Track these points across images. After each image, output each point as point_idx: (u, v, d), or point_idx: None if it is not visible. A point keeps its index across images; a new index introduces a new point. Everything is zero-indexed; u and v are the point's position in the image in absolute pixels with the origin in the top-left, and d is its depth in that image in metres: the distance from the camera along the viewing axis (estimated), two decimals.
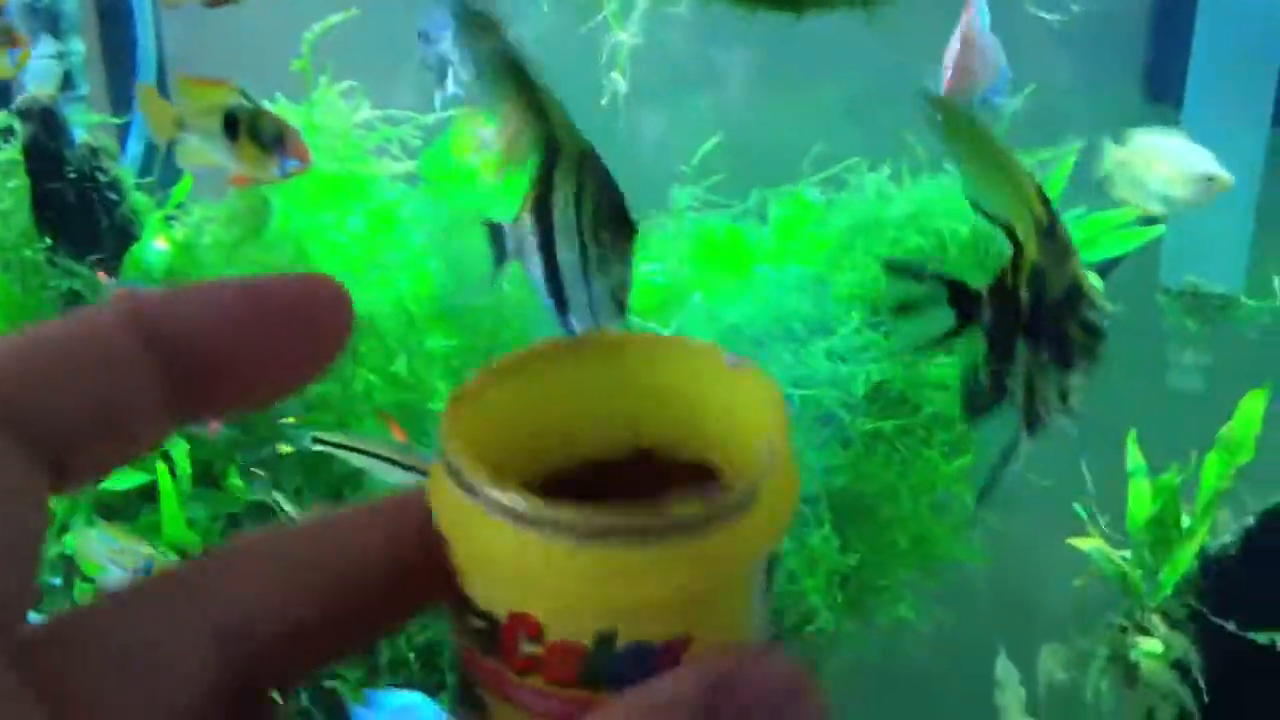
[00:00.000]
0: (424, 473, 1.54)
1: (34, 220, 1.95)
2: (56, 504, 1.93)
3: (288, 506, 1.88)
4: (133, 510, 1.95)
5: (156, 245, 1.99)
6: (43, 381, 0.34)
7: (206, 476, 1.94)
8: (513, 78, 0.94)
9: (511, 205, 1.11)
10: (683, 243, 2.10)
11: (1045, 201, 0.86)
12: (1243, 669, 1.80)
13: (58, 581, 1.94)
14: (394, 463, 1.65)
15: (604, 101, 2.11)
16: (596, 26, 2.10)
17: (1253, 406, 1.83)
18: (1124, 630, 1.85)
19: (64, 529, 1.92)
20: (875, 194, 2.07)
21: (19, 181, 1.96)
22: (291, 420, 1.88)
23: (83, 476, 0.35)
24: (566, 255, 1.09)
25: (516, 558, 0.33)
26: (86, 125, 2.06)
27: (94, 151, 1.99)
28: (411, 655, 1.91)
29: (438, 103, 1.96)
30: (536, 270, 1.09)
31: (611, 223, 1.07)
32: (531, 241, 1.08)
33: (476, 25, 0.96)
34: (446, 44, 1.90)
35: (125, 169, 2.08)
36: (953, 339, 0.96)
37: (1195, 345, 2.16)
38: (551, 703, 0.34)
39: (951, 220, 2.03)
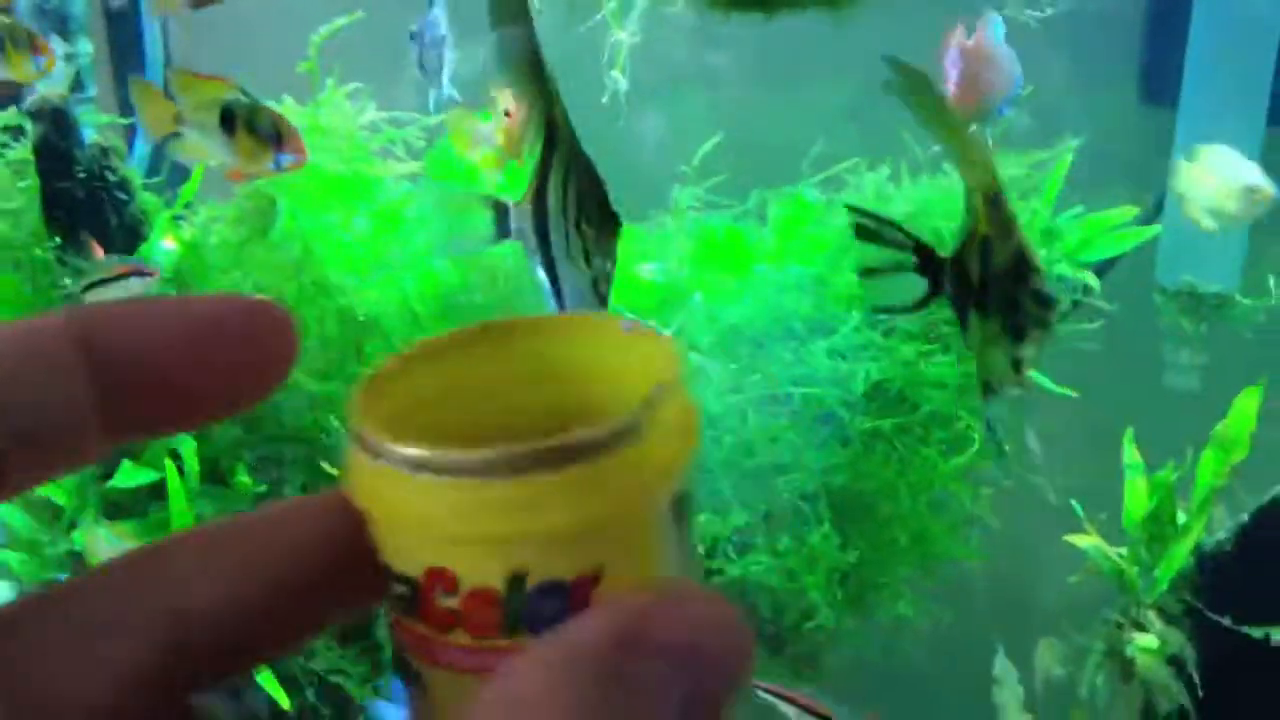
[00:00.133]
0: None
1: (44, 219, 1.96)
2: (64, 500, 1.95)
3: None
4: (141, 508, 1.96)
5: (165, 245, 2.01)
6: None
7: (214, 474, 1.96)
8: (533, 68, 0.97)
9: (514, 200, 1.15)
10: (683, 243, 2.11)
11: (993, 172, 0.89)
12: (1238, 664, 1.82)
13: (65, 579, 1.96)
14: None
15: (605, 100, 2.13)
16: (596, 26, 2.11)
17: (1248, 404, 1.84)
18: (1120, 626, 1.87)
19: (72, 525, 1.93)
20: (874, 194, 2.09)
21: (29, 181, 1.97)
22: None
23: (10, 486, 0.35)
24: (558, 241, 1.13)
25: (420, 507, 0.34)
26: (96, 125, 2.07)
27: (104, 151, 2.01)
28: None
29: (432, 103, 1.97)
30: (535, 254, 1.13)
31: (594, 216, 1.11)
32: (529, 225, 1.12)
33: (509, 14, 1.00)
34: (444, 45, 1.91)
35: (133, 169, 2.09)
36: (924, 305, 0.99)
37: (1191, 344, 2.17)
38: (476, 658, 0.35)
39: (950, 220, 2.05)
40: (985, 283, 0.91)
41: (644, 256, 2.10)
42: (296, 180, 1.96)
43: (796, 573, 1.94)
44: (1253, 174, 1.90)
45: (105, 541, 1.84)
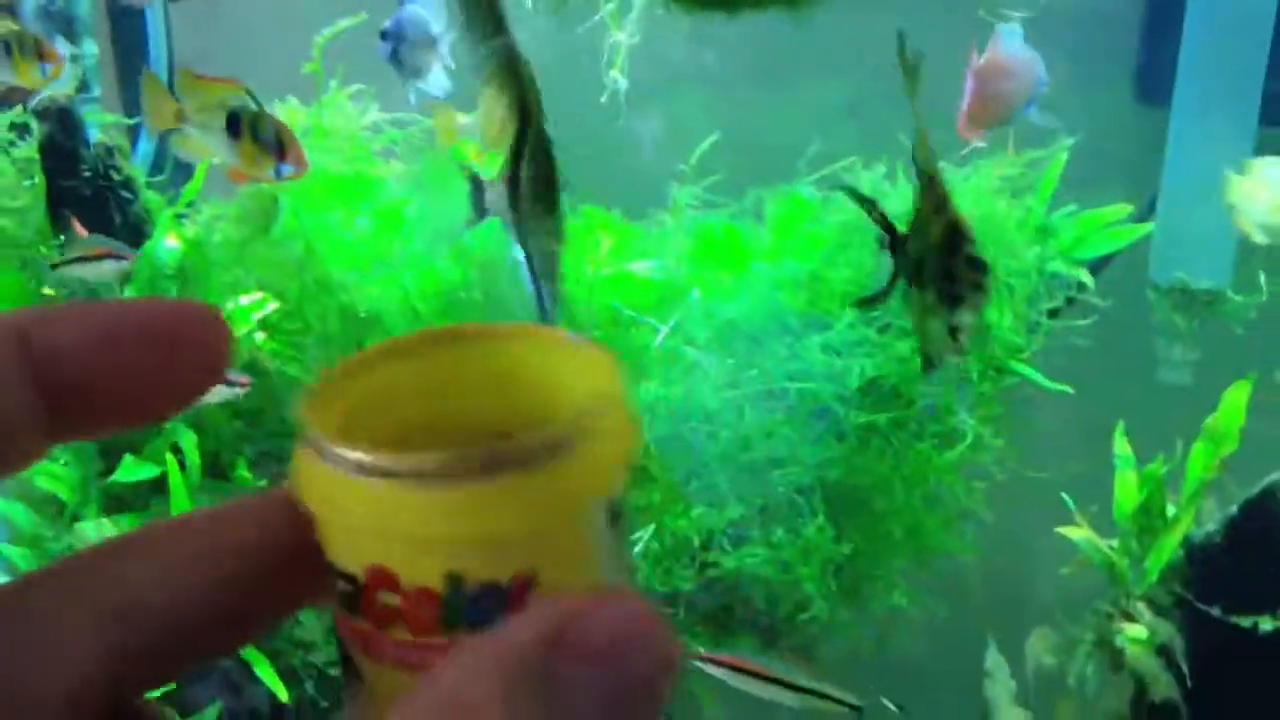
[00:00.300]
0: None
1: (49, 217, 1.99)
2: (66, 495, 1.97)
3: None
4: (142, 502, 1.98)
5: (168, 243, 2.03)
6: None
7: (214, 468, 1.98)
8: (508, 60, 1.02)
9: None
10: (681, 240, 2.13)
11: (929, 150, 0.92)
12: (1226, 654, 1.84)
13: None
14: None
15: (604, 100, 2.15)
16: (595, 27, 2.13)
17: (1237, 397, 1.86)
18: (1110, 617, 1.88)
19: (75, 519, 1.95)
20: (870, 192, 2.10)
21: (35, 179, 1.99)
22: None
23: None
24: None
25: (364, 508, 0.35)
26: (101, 125, 2.09)
27: (109, 151, 2.03)
28: None
29: (413, 99, 1.98)
30: (510, 229, 1.18)
31: (542, 197, 1.16)
32: (504, 203, 1.17)
33: (488, 23, 1.06)
34: (434, 44, 1.92)
35: (137, 168, 2.11)
36: (892, 284, 1.02)
37: (1184, 340, 2.19)
38: (415, 654, 0.36)
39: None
40: (922, 256, 0.95)
41: (643, 254, 2.12)
42: (299, 180, 1.98)
43: (791, 565, 1.96)
44: None
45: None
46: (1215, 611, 1.82)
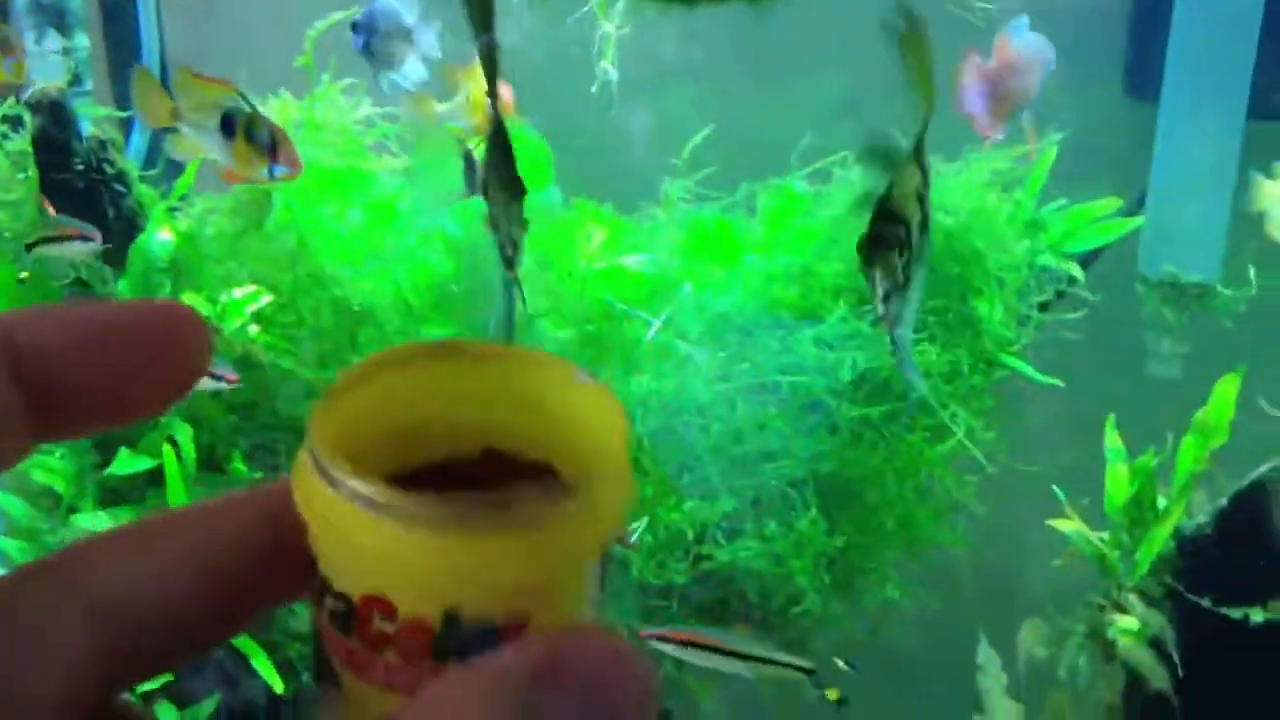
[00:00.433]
0: None
1: (42, 211, 1.99)
2: (63, 488, 1.97)
3: None
4: (138, 494, 1.98)
5: (161, 236, 2.03)
6: None
7: (210, 461, 1.98)
8: (490, 59, 1.07)
9: None
10: (673, 234, 2.14)
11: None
12: (1217, 644, 1.85)
13: None
14: None
15: (594, 90, 2.15)
16: (588, 22, 2.14)
17: (1227, 390, 1.87)
18: (1102, 608, 1.89)
19: (71, 511, 1.95)
20: (862, 189, 2.10)
21: (28, 173, 1.99)
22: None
23: None
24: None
25: (372, 543, 0.36)
26: (93, 119, 2.09)
27: (102, 144, 2.03)
28: None
29: (385, 87, 1.98)
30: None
31: (502, 184, 1.20)
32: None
33: (481, 19, 1.10)
34: (409, 35, 1.92)
35: (130, 161, 2.11)
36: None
37: (1173, 334, 2.20)
38: (402, 675, 0.37)
39: (935, 212, 2.07)
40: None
41: (635, 248, 2.12)
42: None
43: (784, 558, 1.96)
44: None
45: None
46: (1206, 603, 1.83)
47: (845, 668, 1.82)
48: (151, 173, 2.13)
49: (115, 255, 2.00)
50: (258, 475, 1.95)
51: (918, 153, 0.99)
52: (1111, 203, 2.15)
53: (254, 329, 1.99)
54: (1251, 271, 2.12)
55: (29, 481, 1.96)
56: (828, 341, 2.02)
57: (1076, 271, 2.11)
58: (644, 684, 0.34)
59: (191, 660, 0.41)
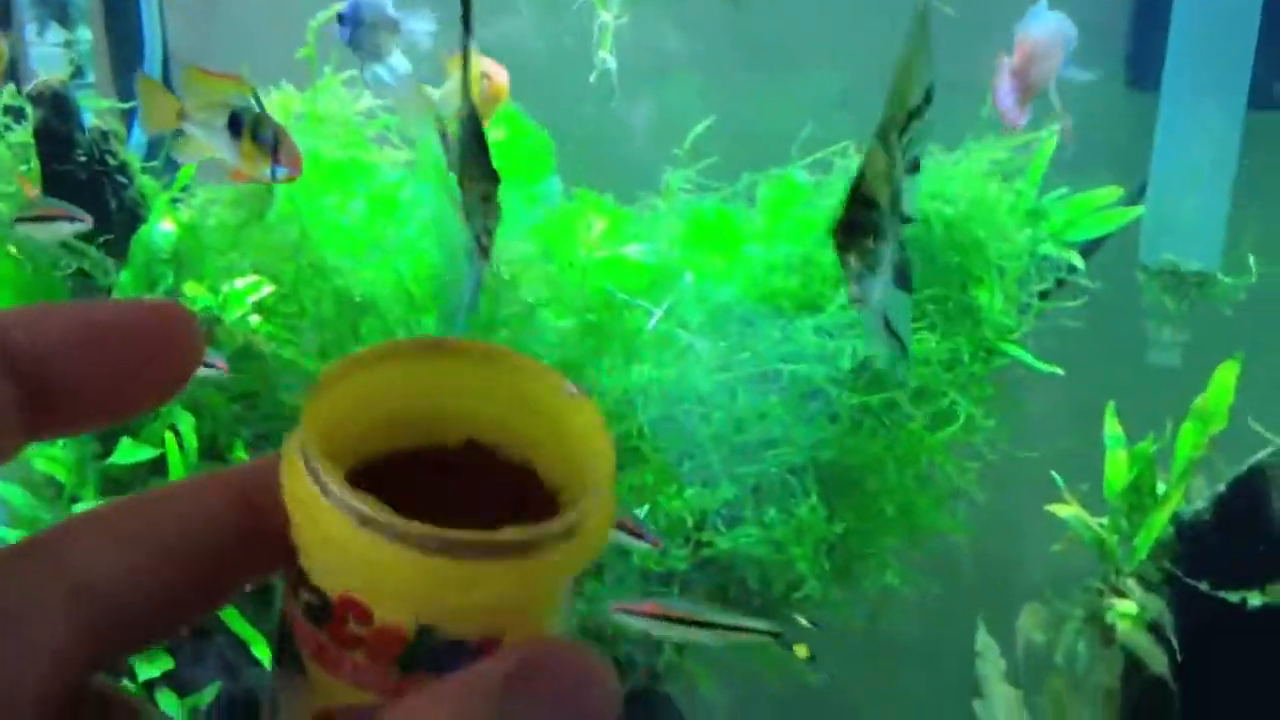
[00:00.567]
0: (619, 526, 1.64)
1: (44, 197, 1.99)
2: (64, 477, 1.98)
3: None
4: (140, 484, 1.99)
5: (163, 227, 2.04)
6: None
7: (212, 450, 1.98)
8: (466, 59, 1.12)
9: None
10: (674, 224, 2.14)
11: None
12: (1215, 629, 1.85)
13: None
14: None
15: (592, 79, 2.15)
16: (588, 15, 2.14)
17: (1226, 376, 1.88)
18: (1101, 593, 1.90)
19: (74, 500, 1.96)
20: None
21: (30, 164, 2.00)
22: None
23: None
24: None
25: (355, 551, 0.36)
26: (96, 110, 2.10)
27: (104, 136, 2.04)
28: None
29: (368, 79, 1.98)
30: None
31: (475, 174, 1.21)
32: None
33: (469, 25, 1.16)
34: (394, 27, 1.92)
35: (132, 153, 2.12)
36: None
37: (1173, 322, 2.20)
38: (369, 676, 0.38)
39: (936, 201, 2.08)
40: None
41: (635, 237, 2.13)
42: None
43: (784, 545, 1.97)
44: None
45: None
46: (1204, 587, 1.83)
47: (809, 626, 1.83)
48: (153, 164, 2.14)
49: (117, 246, 2.01)
50: None
51: (884, 136, 1.00)
52: (1112, 192, 2.15)
53: (256, 319, 2.00)
54: (1252, 260, 2.12)
55: (31, 471, 1.97)
56: (828, 330, 2.02)
57: (1077, 260, 2.11)
58: (612, 694, 0.36)
59: (169, 638, 0.42)
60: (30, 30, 2.24)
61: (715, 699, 2.16)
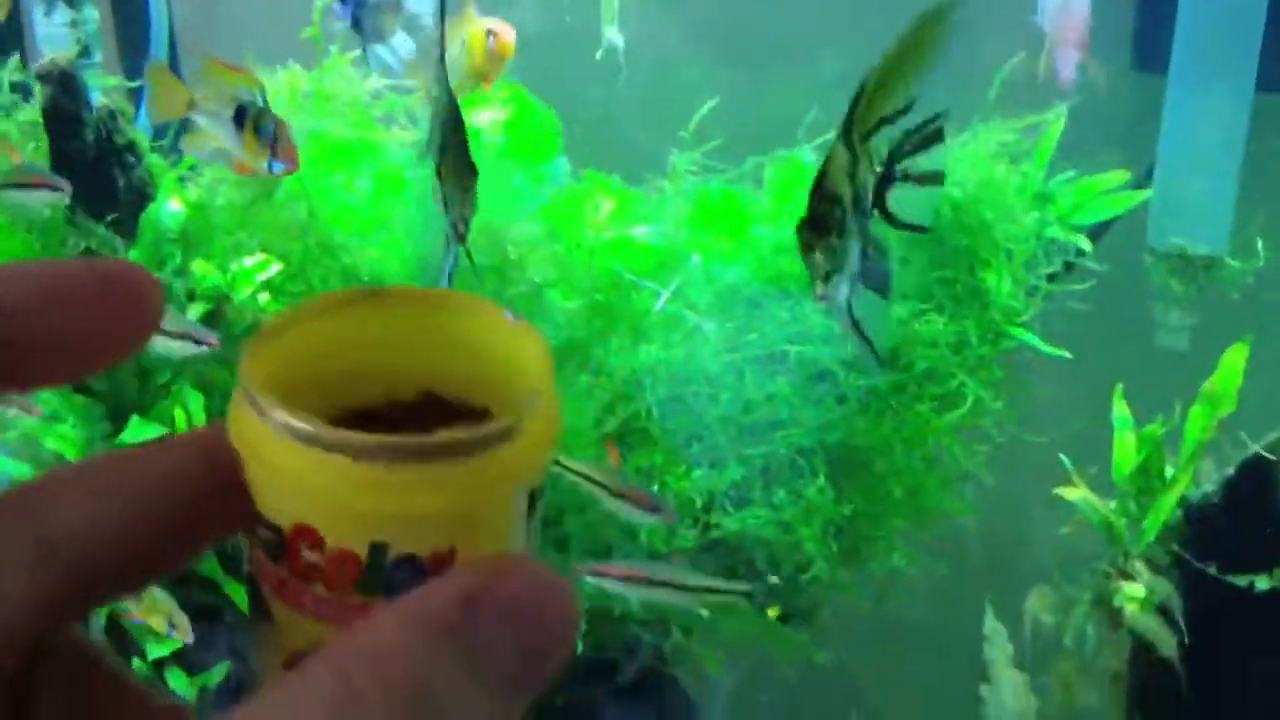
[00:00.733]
0: (635, 500, 1.64)
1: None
2: (74, 454, 1.98)
3: None
4: None
5: (171, 206, 2.04)
6: None
7: None
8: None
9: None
10: (681, 206, 2.14)
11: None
12: (1223, 611, 1.86)
13: None
14: (604, 488, 1.70)
15: (599, 56, 2.15)
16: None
17: (1235, 359, 1.88)
18: (1109, 576, 1.90)
19: None
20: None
21: (38, 142, 2.00)
22: None
23: None
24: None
25: (299, 473, 0.37)
26: (103, 89, 2.09)
27: (112, 114, 2.03)
28: None
29: (371, 62, 1.98)
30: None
31: (453, 165, 1.22)
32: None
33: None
34: (395, 7, 1.92)
35: (140, 131, 2.12)
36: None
37: (1181, 305, 2.20)
38: (330, 608, 0.38)
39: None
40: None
41: (643, 219, 2.12)
42: (302, 144, 1.99)
43: (792, 526, 1.97)
44: None
45: None
46: (1212, 570, 1.84)
47: (776, 581, 1.84)
48: (161, 143, 2.14)
49: (125, 225, 2.01)
50: None
51: (847, 134, 1.00)
52: (1120, 175, 2.15)
53: (264, 298, 2.00)
54: (1259, 243, 2.12)
55: (40, 449, 1.97)
56: None
57: (1085, 243, 2.11)
58: (570, 611, 0.36)
59: (138, 590, 0.42)
60: (38, 10, 2.23)
61: (722, 680, 2.16)
